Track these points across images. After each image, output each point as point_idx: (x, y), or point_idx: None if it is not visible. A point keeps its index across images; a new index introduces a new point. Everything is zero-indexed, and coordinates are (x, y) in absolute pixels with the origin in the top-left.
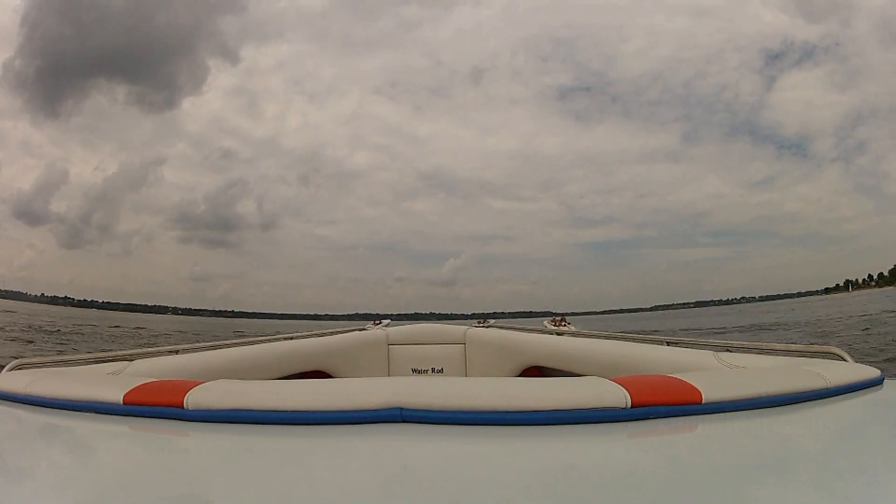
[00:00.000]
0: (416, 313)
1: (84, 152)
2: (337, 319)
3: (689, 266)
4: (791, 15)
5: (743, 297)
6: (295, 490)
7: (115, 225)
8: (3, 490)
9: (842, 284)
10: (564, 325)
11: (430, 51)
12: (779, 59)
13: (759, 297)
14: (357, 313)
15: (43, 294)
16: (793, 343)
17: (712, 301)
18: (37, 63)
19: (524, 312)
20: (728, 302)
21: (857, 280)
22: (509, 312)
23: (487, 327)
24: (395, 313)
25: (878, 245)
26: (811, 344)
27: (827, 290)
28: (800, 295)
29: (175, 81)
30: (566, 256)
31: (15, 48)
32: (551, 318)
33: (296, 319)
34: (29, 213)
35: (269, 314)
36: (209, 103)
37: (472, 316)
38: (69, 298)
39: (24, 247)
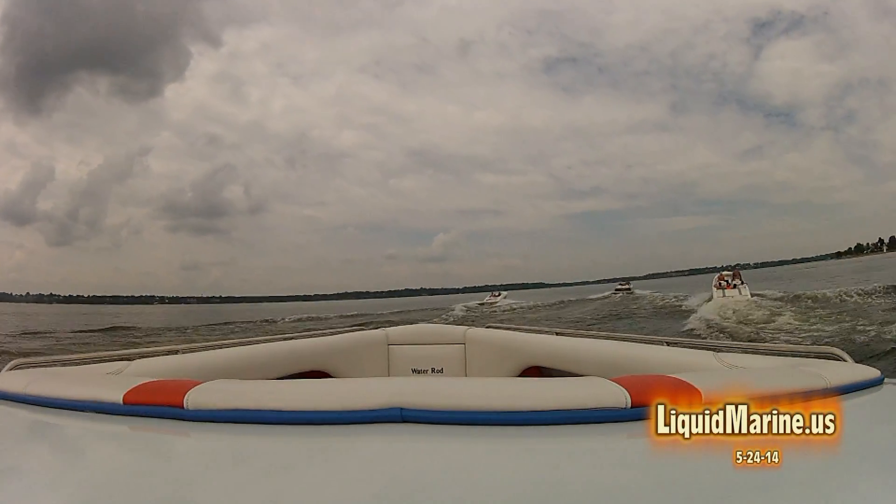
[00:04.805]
0: (406, 289)
1: (69, 148)
2: (328, 299)
3: (680, 235)
4: None
5: (738, 264)
6: (295, 490)
7: (103, 219)
8: (1, 491)
9: (853, 248)
10: (736, 284)
11: (414, 28)
12: (766, 27)
13: (754, 263)
14: (346, 292)
15: (28, 293)
16: (793, 343)
17: (706, 269)
18: (17, 61)
19: (517, 285)
20: (723, 269)
21: (867, 244)
22: (501, 285)
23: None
24: (385, 290)
25: (869, 215)
26: (811, 344)
27: (839, 255)
28: (795, 262)
29: (157, 69)
30: (557, 228)
31: None
32: (719, 275)
33: (285, 301)
34: (17, 214)
35: (257, 298)
36: (192, 90)
37: (465, 290)
38: (55, 295)
39: (13, 248)
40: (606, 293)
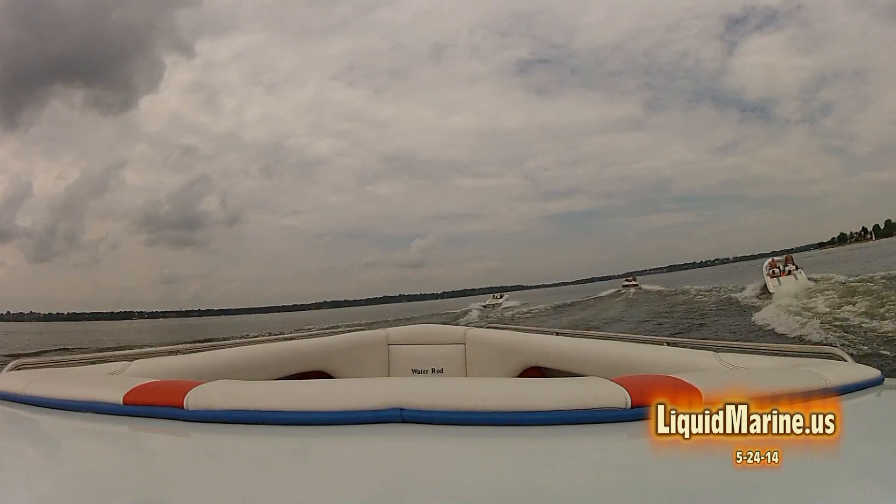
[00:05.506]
0: (385, 296)
1: (46, 162)
2: (307, 309)
3: (659, 232)
4: None
5: (717, 259)
6: (295, 490)
7: (81, 234)
8: (1, 491)
9: (836, 238)
10: (791, 270)
11: (388, 33)
12: (740, 24)
13: (734, 258)
14: (325, 301)
15: (8, 312)
16: (793, 343)
17: (685, 265)
18: None
19: (496, 288)
20: (702, 265)
21: (850, 234)
22: (479, 290)
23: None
24: (364, 298)
25: (848, 205)
26: (811, 344)
27: (821, 245)
28: (776, 254)
29: (131, 81)
30: (534, 230)
31: None
32: (770, 261)
33: (263, 314)
34: None
35: (236, 310)
36: (167, 101)
37: (443, 295)
38: (35, 314)
39: None
40: (609, 291)
